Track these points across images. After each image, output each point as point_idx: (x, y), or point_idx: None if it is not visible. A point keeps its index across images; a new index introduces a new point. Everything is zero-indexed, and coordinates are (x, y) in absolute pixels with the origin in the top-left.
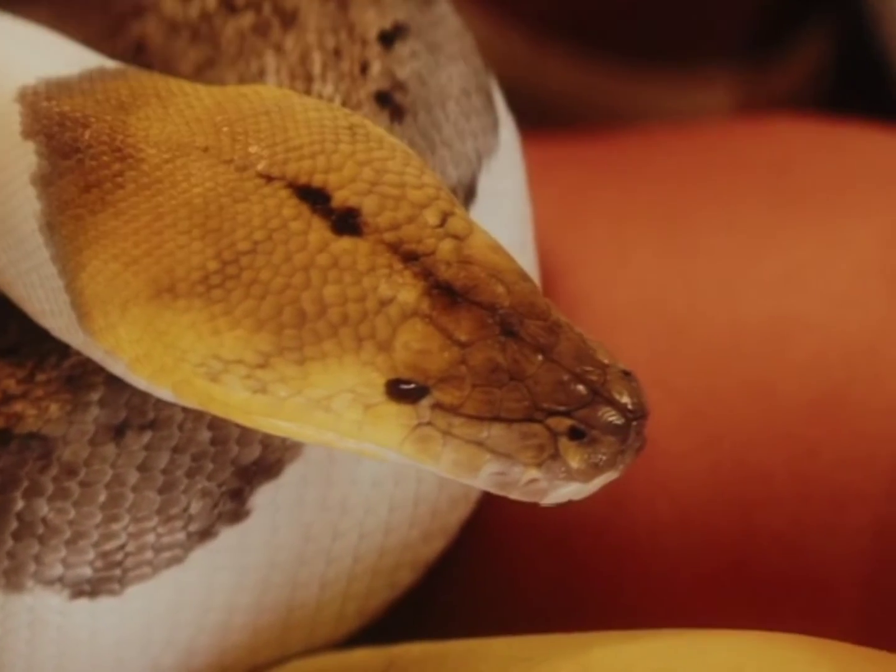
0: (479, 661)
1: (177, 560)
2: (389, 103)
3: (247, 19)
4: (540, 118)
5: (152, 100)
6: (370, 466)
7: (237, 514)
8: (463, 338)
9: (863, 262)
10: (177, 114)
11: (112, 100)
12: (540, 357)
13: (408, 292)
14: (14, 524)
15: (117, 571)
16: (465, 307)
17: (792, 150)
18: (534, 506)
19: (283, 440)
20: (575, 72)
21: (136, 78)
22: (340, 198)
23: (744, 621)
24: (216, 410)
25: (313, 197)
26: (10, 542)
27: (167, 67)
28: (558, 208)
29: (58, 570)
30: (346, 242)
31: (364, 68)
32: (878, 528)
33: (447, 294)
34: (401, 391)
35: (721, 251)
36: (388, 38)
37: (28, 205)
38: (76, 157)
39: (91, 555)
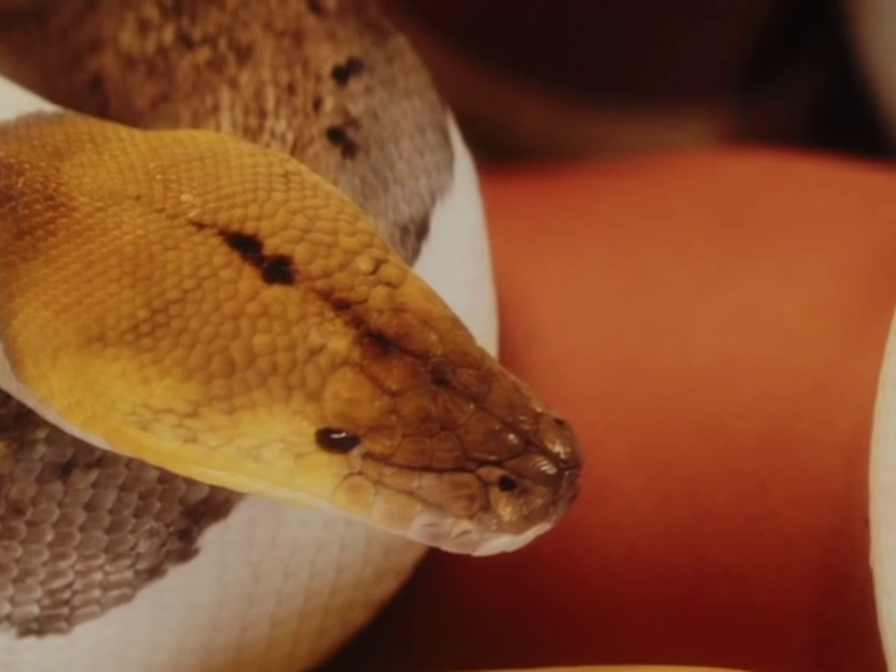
0: None
1: (125, 598)
2: (342, 139)
3: (202, 54)
4: (516, 157)
5: (87, 146)
6: None
7: (185, 553)
8: (394, 387)
9: (814, 298)
10: (111, 160)
11: (48, 146)
12: (472, 406)
13: (338, 341)
14: None
15: (65, 610)
16: (397, 356)
17: (748, 185)
18: None
19: None
20: (550, 110)
21: (73, 123)
22: (272, 245)
23: (694, 656)
24: (148, 458)
25: (245, 245)
26: None
27: (124, 102)
28: (514, 244)
29: (5, 608)
30: (276, 291)
31: (317, 104)
32: (826, 566)
33: (379, 342)
34: (331, 441)
35: (674, 287)
36: (343, 74)
37: None
38: (9, 204)
39: (38, 593)
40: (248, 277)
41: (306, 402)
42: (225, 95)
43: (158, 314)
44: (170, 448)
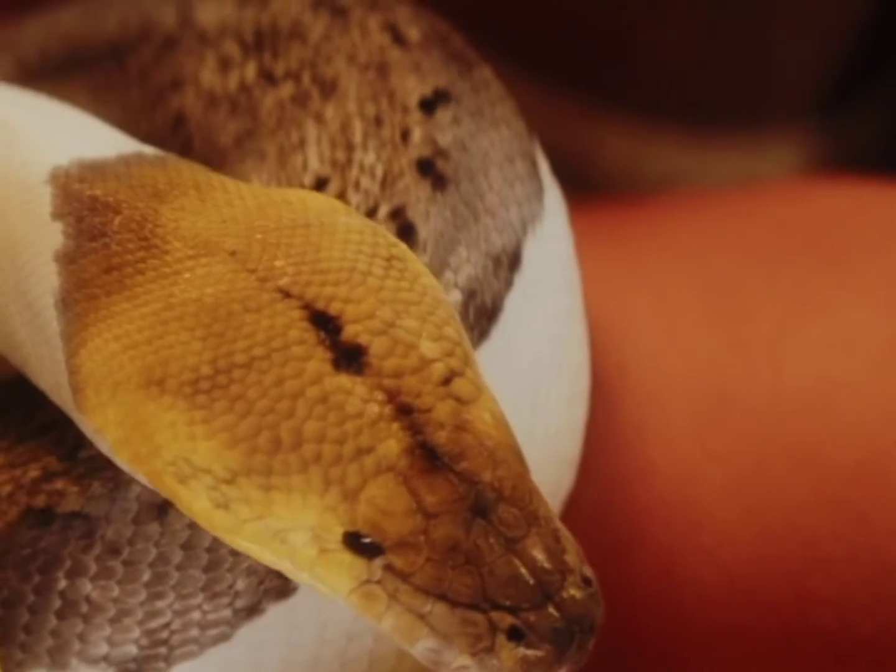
0: None
1: (223, 637)
2: (431, 171)
3: (286, 90)
4: (596, 187)
5: (190, 192)
6: None
7: (284, 590)
8: (431, 506)
9: None
10: (213, 210)
11: (147, 187)
12: (503, 546)
13: (389, 446)
14: (57, 603)
15: (163, 649)
16: (444, 474)
17: (836, 214)
18: None
19: None
20: (632, 140)
21: (176, 168)
22: (351, 332)
23: None
24: (182, 510)
25: (325, 324)
26: (53, 621)
27: (208, 140)
28: (602, 275)
29: (103, 648)
30: (342, 379)
31: (405, 135)
32: None
33: (430, 456)
34: (358, 544)
35: (765, 316)
36: (429, 105)
37: (47, 280)
38: (102, 240)
39: (136, 633)
40: (319, 359)
41: (341, 500)
42: (311, 130)
43: (221, 374)
44: (202, 508)
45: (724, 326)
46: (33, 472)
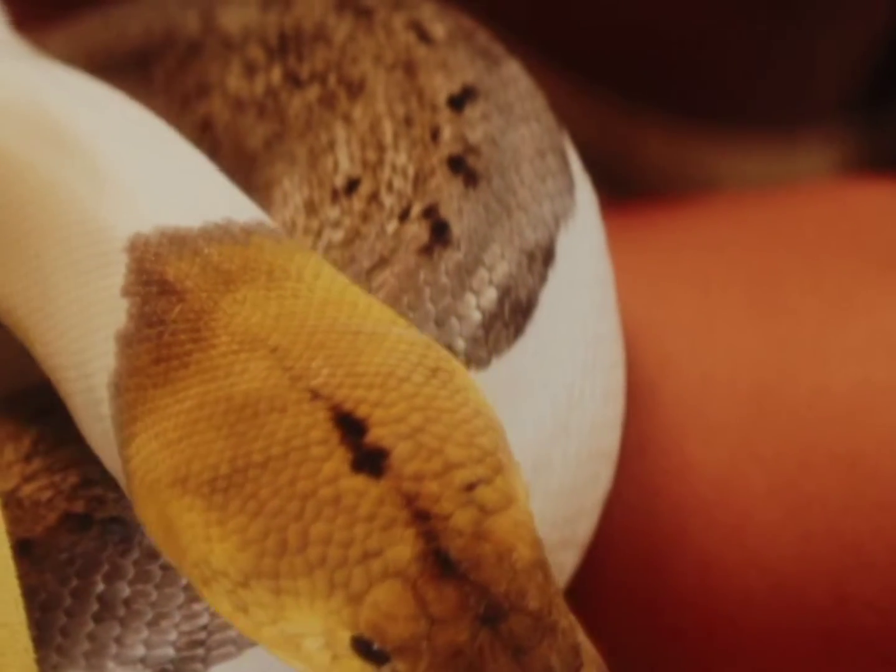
0: None
1: None
2: (463, 168)
3: (313, 92)
4: (631, 188)
5: (260, 279)
6: None
7: None
8: (437, 613)
9: None
10: (276, 302)
11: (221, 270)
12: (508, 657)
13: (400, 551)
14: (95, 606)
15: (200, 651)
16: (455, 582)
17: (880, 213)
18: (622, 575)
19: None
20: (668, 140)
21: (258, 247)
22: (376, 435)
23: None
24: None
25: (350, 426)
26: (90, 625)
27: (236, 143)
28: (643, 274)
29: (140, 651)
30: (358, 481)
31: (435, 134)
32: None
33: (443, 563)
34: (367, 650)
35: (808, 315)
36: (458, 102)
37: (105, 358)
38: (158, 328)
39: (174, 635)
40: (337, 460)
41: (345, 603)
42: (340, 131)
43: (237, 473)
44: (225, 611)
45: (766, 326)
46: (72, 479)
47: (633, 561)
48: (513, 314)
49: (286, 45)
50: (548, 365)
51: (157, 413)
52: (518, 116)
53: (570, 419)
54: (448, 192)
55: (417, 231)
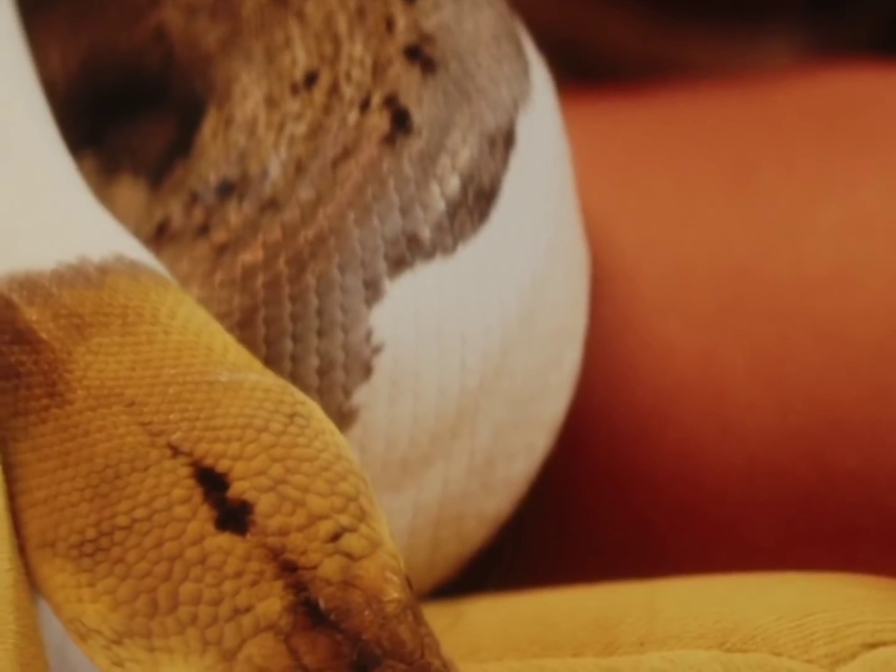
0: (551, 611)
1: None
2: (419, 56)
3: None
4: (596, 74)
5: (114, 324)
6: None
7: None
8: (311, 664)
9: None
10: (130, 349)
11: (74, 317)
12: None
13: (270, 604)
14: None
15: None
16: (326, 632)
17: (851, 97)
18: (602, 455)
19: None
20: (631, 27)
21: (113, 289)
22: (238, 489)
23: (816, 562)
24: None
25: (212, 482)
26: None
27: (190, 47)
28: (617, 163)
29: None
30: (223, 539)
31: (390, 24)
32: None
33: (313, 614)
34: None
35: (784, 197)
36: None
37: None
38: (14, 380)
39: None
40: (201, 519)
41: (219, 660)
42: (294, 28)
43: (103, 537)
44: (101, 665)
45: (742, 209)
46: None
47: (613, 441)
48: (477, 200)
49: None
50: (512, 249)
51: (22, 469)
52: (470, 3)
53: (535, 301)
54: (406, 81)
55: (378, 121)
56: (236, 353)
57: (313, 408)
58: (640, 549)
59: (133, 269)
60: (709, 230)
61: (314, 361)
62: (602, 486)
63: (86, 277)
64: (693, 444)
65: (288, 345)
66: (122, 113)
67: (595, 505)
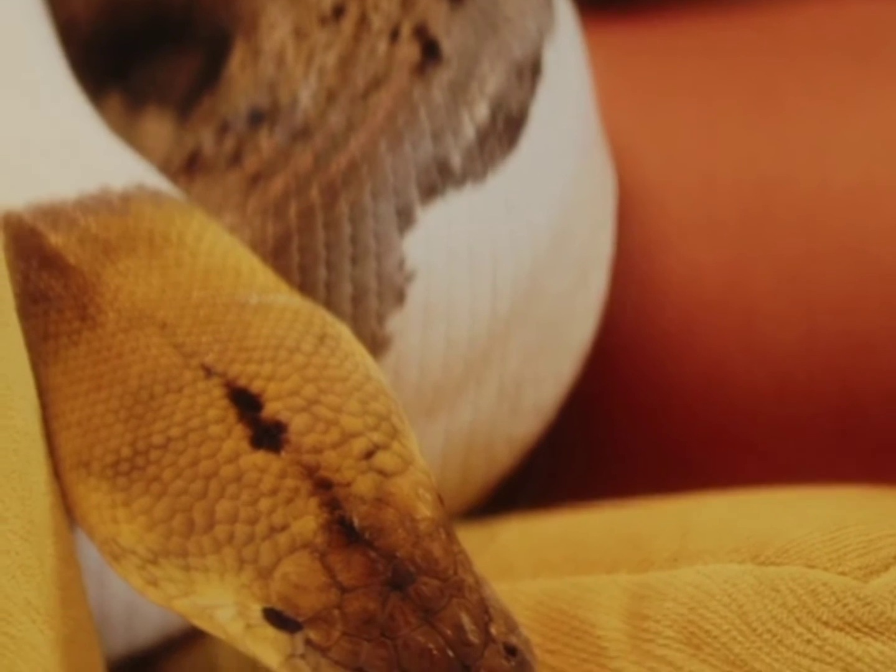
0: (583, 529)
1: None
2: None
3: None
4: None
5: (141, 248)
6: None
7: None
8: (346, 581)
9: None
10: (158, 273)
11: (100, 240)
12: (419, 618)
13: (305, 523)
14: None
15: None
16: (361, 549)
17: (873, 14)
18: (630, 380)
19: None
20: None
21: (137, 215)
22: (272, 409)
23: (845, 480)
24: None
25: (245, 402)
26: None
27: None
28: (640, 82)
29: None
30: (259, 457)
31: None
32: None
33: (347, 532)
34: (279, 619)
35: (809, 114)
36: None
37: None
38: (43, 305)
39: None
40: (236, 438)
41: (255, 577)
42: None
43: (139, 456)
44: (136, 585)
45: (767, 126)
46: None
47: (641, 364)
48: (506, 128)
49: None
50: (541, 176)
51: (53, 393)
52: None
53: (564, 226)
54: (435, 12)
55: (409, 51)
56: (264, 275)
57: (341, 329)
58: (669, 471)
59: (156, 197)
60: (734, 148)
61: (348, 289)
62: (630, 409)
63: (109, 205)
64: (720, 364)
65: (322, 272)
66: (147, 49)
67: (623, 428)
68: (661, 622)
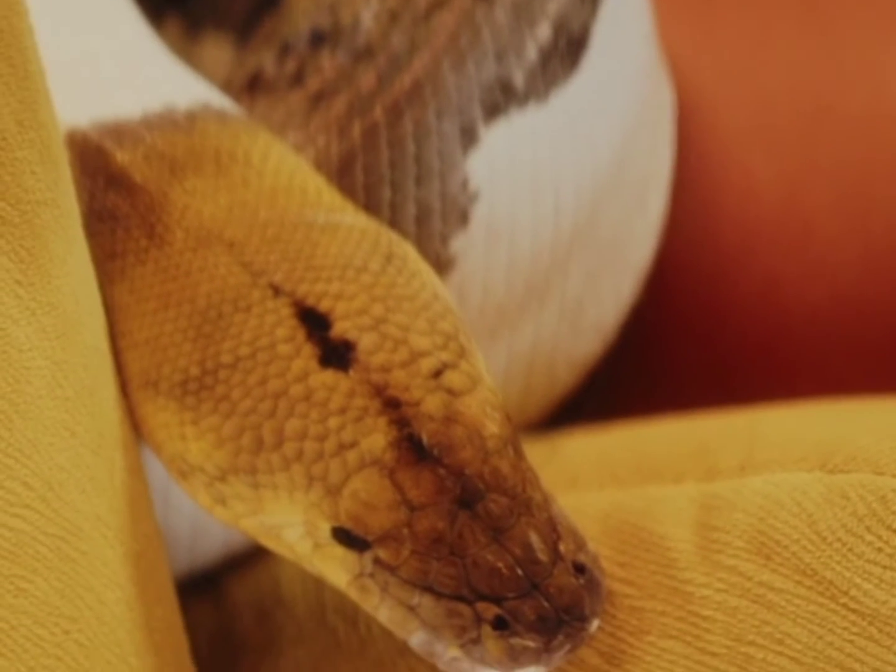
0: (648, 440)
1: None
2: None
3: None
4: None
5: (208, 167)
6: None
7: None
8: (415, 499)
9: None
10: (225, 191)
11: (166, 158)
12: (488, 537)
13: (374, 440)
14: None
15: None
16: (430, 467)
17: None
18: (688, 297)
19: None
20: None
21: (202, 133)
22: (340, 328)
23: None
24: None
25: (314, 321)
26: None
27: None
28: (699, 3)
29: None
30: (327, 376)
31: None
32: None
33: (417, 449)
34: (348, 538)
35: (862, 29)
36: None
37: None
38: (109, 223)
39: None
40: (305, 357)
41: (324, 495)
42: None
43: (207, 375)
44: (203, 503)
45: (821, 41)
46: None
47: (698, 282)
48: (568, 48)
49: None
50: (603, 97)
51: (120, 312)
52: None
53: (625, 148)
54: None
55: None
56: (330, 195)
57: (408, 248)
58: (727, 390)
59: (221, 115)
60: (788, 62)
61: (412, 210)
62: (688, 328)
63: (174, 123)
64: (777, 282)
65: (386, 193)
66: None
67: (681, 347)
68: (731, 533)
